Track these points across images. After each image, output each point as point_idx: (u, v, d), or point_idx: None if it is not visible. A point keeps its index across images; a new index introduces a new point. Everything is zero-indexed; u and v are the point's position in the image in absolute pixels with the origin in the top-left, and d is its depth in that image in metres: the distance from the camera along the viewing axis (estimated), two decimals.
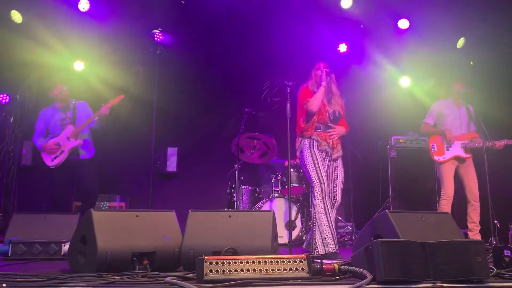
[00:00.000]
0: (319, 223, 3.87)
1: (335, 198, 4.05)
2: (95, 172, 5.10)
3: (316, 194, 3.92)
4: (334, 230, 3.93)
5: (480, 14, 5.92)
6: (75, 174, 4.97)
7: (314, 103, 4.05)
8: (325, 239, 3.83)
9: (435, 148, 5.10)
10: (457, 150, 5.02)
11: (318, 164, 4.00)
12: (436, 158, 5.10)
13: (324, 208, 3.89)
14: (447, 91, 5.29)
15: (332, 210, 4.00)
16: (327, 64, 4.26)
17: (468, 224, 4.98)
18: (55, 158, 4.91)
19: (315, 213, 3.90)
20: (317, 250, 3.83)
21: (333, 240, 3.86)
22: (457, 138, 5.06)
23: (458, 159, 5.05)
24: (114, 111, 5.20)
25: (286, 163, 5.90)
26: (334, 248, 3.83)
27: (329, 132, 4.12)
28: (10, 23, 6.02)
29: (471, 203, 4.98)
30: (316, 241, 3.86)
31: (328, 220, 3.88)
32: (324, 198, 3.91)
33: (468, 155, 5.02)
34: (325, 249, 3.81)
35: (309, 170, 4.01)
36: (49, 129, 5.07)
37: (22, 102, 6.14)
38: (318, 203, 3.90)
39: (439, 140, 5.14)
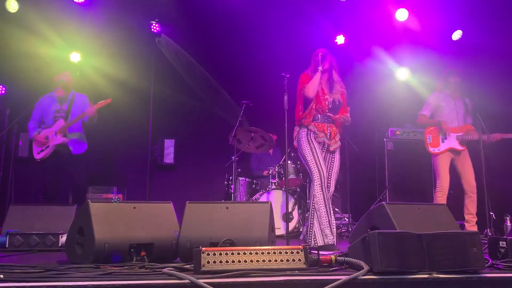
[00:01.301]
0: (318, 214, 3.85)
1: (328, 188, 4.01)
2: (85, 167, 5.09)
3: (315, 184, 3.89)
4: (333, 221, 3.93)
5: (477, 6, 5.92)
6: (67, 168, 4.96)
7: (311, 88, 4.00)
8: (323, 230, 3.83)
9: (430, 139, 5.12)
10: (452, 142, 5.04)
11: (316, 153, 3.98)
12: (431, 149, 5.12)
13: (324, 199, 3.87)
14: (444, 83, 5.29)
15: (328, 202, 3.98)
16: (325, 52, 4.16)
17: (465, 216, 5.00)
18: (41, 151, 4.93)
19: (313, 203, 3.88)
20: (315, 242, 3.82)
21: (331, 231, 3.86)
22: (452, 130, 5.08)
23: (453, 151, 5.07)
24: (106, 109, 5.16)
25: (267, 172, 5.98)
26: (332, 239, 3.83)
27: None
28: (5, 13, 5.97)
29: (468, 194, 5.00)
30: (315, 233, 3.84)
31: (327, 211, 3.86)
32: (323, 188, 3.88)
33: (463, 147, 5.04)
34: (324, 240, 3.81)
35: (308, 160, 3.98)
36: (44, 118, 5.06)
37: (18, 93, 6.12)
38: (317, 193, 3.87)
39: (435, 131, 5.15)
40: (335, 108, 4.12)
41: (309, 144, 4.01)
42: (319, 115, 4.08)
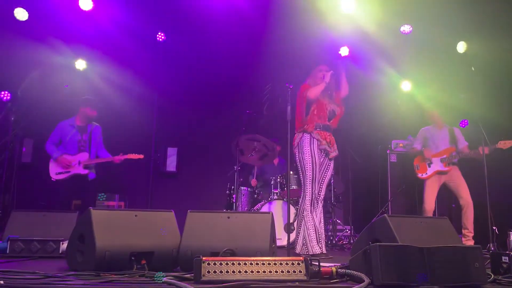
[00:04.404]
0: (306, 226, 4.08)
1: (320, 193, 4.23)
2: (94, 189, 5.50)
3: (306, 199, 4.11)
4: (321, 230, 4.18)
5: (481, 18, 5.94)
6: (78, 186, 5.22)
7: (313, 91, 4.20)
8: (311, 241, 4.05)
9: (419, 167, 5.49)
10: (437, 165, 5.39)
11: (316, 168, 4.15)
12: (419, 175, 5.46)
13: (311, 212, 4.10)
14: (429, 119, 5.68)
15: (318, 204, 4.20)
16: (329, 66, 4.41)
17: (462, 230, 5.14)
18: (59, 173, 5.15)
19: (303, 216, 4.12)
20: (306, 250, 4.06)
21: (318, 242, 4.08)
22: (434, 155, 5.42)
23: (440, 173, 5.38)
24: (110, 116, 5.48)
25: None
26: (319, 249, 4.05)
27: None
28: (13, 20, 6.03)
29: (464, 210, 5.17)
30: (305, 241, 4.07)
31: (314, 225, 4.10)
32: (313, 204, 4.11)
33: (448, 168, 5.34)
34: (312, 250, 4.03)
35: (306, 172, 4.15)
36: (63, 142, 5.29)
37: (23, 99, 6.15)
38: (307, 207, 4.10)
39: (421, 159, 5.49)
40: (331, 118, 4.35)
41: (312, 155, 4.16)
42: (320, 124, 4.22)
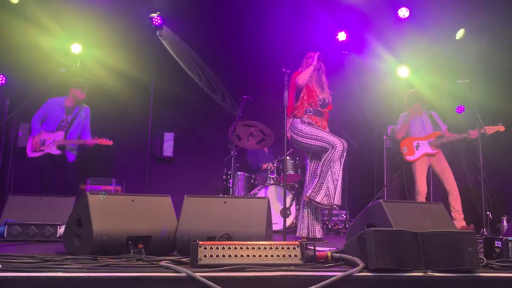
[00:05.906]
0: (333, 178, 3.99)
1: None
2: (75, 170, 5.42)
3: (337, 150, 3.98)
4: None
5: (480, 5, 5.91)
6: (60, 167, 5.28)
7: (302, 77, 4.19)
8: (337, 192, 4.02)
9: (406, 149, 5.53)
10: (425, 148, 5.44)
11: (323, 130, 4.12)
12: (408, 158, 5.50)
13: (340, 167, 4.01)
14: (407, 107, 5.72)
15: (343, 160, 4.14)
16: (321, 53, 4.40)
17: (452, 214, 5.17)
18: (34, 151, 5.23)
19: (329, 167, 4.00)
20: (329, 199, 3.99)
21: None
22: (423, 138, 5.49)
23: (428, 155, 5.43)
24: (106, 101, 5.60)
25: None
26: (339, 200, 4.03)
27: None
28: (7, 3, 5.95)
29: (451, 192, 5.24)
30: (324, 192, 4.00)
31: (339, 176, 4.01)
32: (342, 155, 4.01)
33: (436, 151, 5.40)
34: (335, 200, 4.01)
35: (320, 135, 4.07)
36: (48, 118, 5.35)
37: (18, 83, 6.11)
38: (335, 158, 3.99)
39: (408, 141, 5.53)
40: (323, 107, 4.36)
41: (309, 126, 4.14)
42: (311, 109, 4.24)
